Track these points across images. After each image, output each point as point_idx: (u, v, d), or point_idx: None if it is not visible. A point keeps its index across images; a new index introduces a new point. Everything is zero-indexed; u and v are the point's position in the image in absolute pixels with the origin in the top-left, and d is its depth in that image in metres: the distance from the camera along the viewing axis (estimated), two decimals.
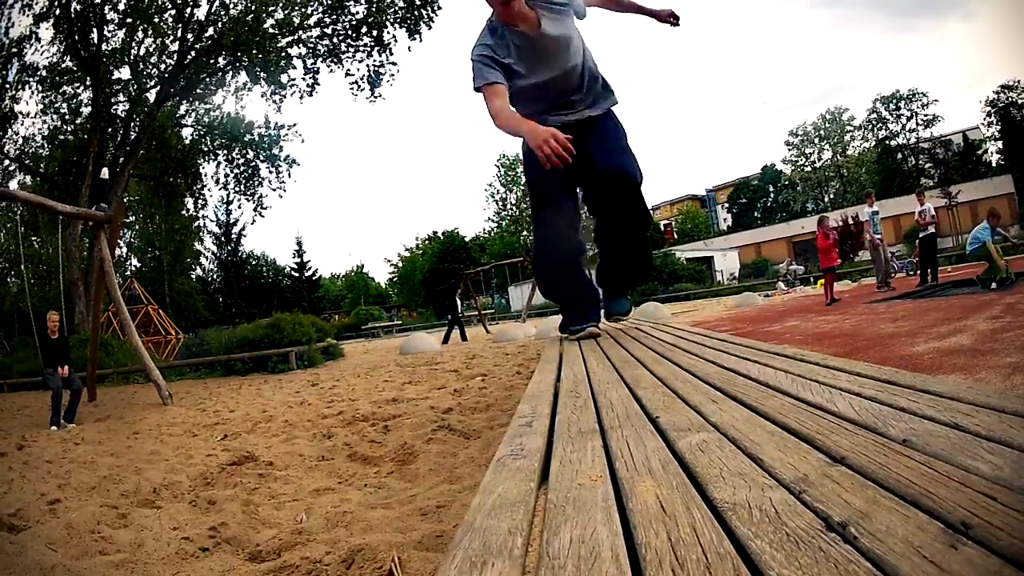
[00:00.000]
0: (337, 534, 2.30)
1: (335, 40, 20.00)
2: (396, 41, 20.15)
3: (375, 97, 20.58)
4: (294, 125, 21.79)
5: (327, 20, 19.77)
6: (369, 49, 20.08)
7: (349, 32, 19.89)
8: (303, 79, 20.48)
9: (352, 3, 19.60)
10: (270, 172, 21.96)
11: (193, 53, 18.97)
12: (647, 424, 1.25)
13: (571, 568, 0.62)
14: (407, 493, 2.77)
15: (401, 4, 19.58)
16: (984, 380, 2.73)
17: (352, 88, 20.48)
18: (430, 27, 19.78)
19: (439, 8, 19.69)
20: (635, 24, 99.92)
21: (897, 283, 13.28)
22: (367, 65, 20.27)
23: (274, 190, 22.14)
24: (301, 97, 20.72)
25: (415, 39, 19.95)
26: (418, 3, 19.61)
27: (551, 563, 0.64)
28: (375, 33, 19.74)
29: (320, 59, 20.27)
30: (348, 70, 20.37)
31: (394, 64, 20.37)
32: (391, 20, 19.62)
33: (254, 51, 18.03)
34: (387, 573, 1.83)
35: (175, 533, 2.52)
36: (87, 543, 2.45)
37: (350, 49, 20.17)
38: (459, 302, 17.69)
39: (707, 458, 0.94)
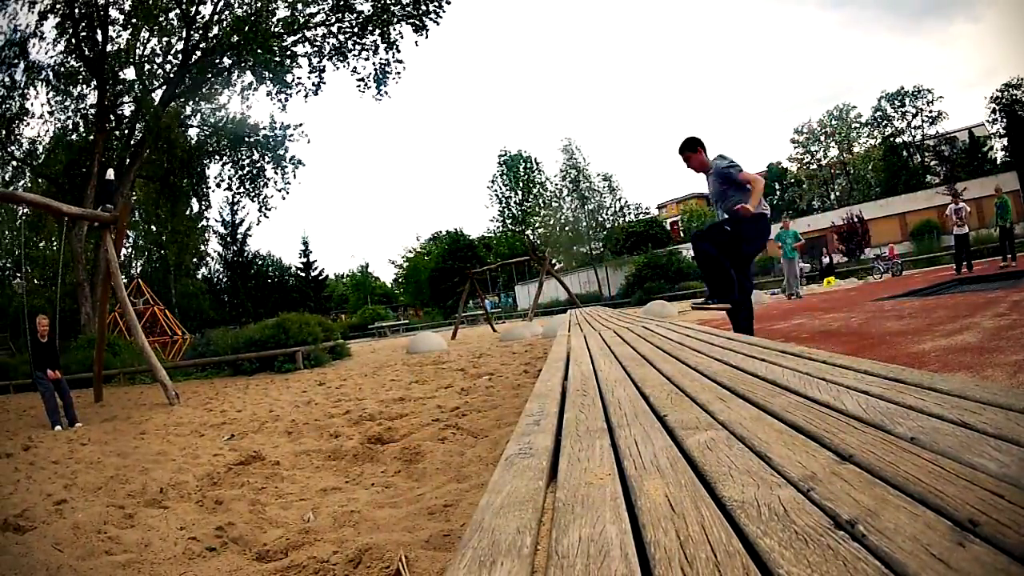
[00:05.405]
0: (344, 533, 2.31)
1: (341, 38, 20.04)
2: (402, 38, 20.21)
3: (381, 95, 20.65)
4: (300, 125, 21.75)
5: (333, 18, 19.80)
6: (375, 47, 20.13)
7: (355, 30, 19.91)
8: (308, 77, 20.54)
9: (358, 1, 19.64)
10: (275, 173, 21.94)
11: (198, 53, 19.00)
12: (655, 422, 1.26)
13: (580, 567, 0.62)
14: (414, 492, 2.77)
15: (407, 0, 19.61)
16: (991, 378, 2.72)
17: (359, 86, 20.55)
18: (437, 23, 19.82)
19: (448, 2, 19.73)
20: (643, 20, 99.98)
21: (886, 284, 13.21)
22: (373, 63, 20.34)
23: (279, 190, 22.08)
24: (306, 96, 20.70)
25: (421, 34, 19.98)
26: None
27: (560, 562, 0.64)
28: (381, 31, 19.77)
29: (326, 58, 20.29)
30: (355, 67, 20.45)
31: (400, 62, 20.43)
32: (397, 17, 19.65)
33: (259, 50, 18.03)
34: (395, 572, 1.83)
35: (182, 533, 2.53)
36: (93, 543, 2.46)
37: (356, 47, 20.20)
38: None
39: (715, 456, 0.94)
